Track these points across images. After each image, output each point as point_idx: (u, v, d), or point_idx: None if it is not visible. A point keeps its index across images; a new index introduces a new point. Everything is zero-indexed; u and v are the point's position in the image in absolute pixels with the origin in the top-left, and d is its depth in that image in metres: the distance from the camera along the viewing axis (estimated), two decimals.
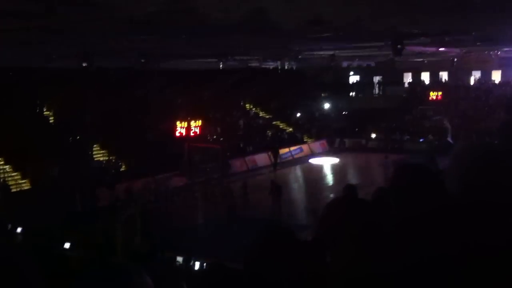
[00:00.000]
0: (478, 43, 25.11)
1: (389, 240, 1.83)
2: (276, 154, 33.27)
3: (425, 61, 39.43)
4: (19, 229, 16.91)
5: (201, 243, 18.32)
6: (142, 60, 22.30)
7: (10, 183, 24.48)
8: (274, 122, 40.77)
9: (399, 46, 18.64)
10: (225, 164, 29.55)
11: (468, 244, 1.68)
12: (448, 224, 1.77)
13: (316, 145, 39.28)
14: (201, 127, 29.42)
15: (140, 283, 1.50)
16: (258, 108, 42.01)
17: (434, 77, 46.41)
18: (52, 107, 31.27)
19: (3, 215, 19.18)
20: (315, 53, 27.84)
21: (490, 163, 1.83)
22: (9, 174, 25.22)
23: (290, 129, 40.21)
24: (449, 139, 35.80)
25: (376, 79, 47.86)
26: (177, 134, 28.38)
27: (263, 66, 38.52)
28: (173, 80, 37.06)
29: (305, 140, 39.43)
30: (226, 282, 2.39)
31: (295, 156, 35.60)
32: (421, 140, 37.17)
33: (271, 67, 43.27)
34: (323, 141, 39.99)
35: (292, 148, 36.14)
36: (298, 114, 42.10)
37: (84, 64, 20.03)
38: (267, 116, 41.40)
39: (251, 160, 33.44)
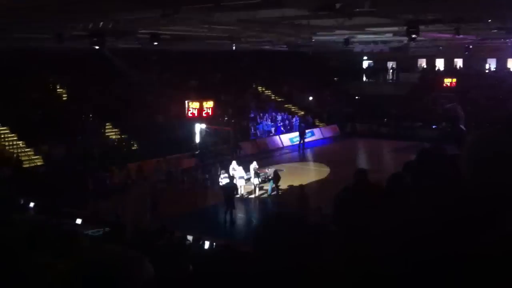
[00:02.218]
0: (493, 31, 24.76)
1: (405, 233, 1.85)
2: (302, 135, 33.77)
3: (440, 48, 38.96)
4: (31, 204, 17.17)
5: (209, 224, 18.52)
6: (155, 43, 22.30)
7: (23, 158, 24.79)
8: (285, 105, 40.71)
9: (413, 32, 18.48)
10: (235, 146, 29.67)
11: (478, 244, 1.67)
12: (463, 221, 1.76)
13: (328, 129, 39.31)
14: (213, 109, 29.47)
15: (141, 273, 1.52)
16: (270, 91, 41.95)
17: (449, 64, 45.92)
18: (65, 85, 31.49)
19: (15, 190, 19.48)
20: (328, 37, 27.62)
21: (502, 157, 1.81)
22: (22, 150, 25.54)
23: (302, 113, 40.14)
24: (462, 126, 35.49)
25: (390, 64, 47.47)
26: (189, 115, 28.47)
27: (276, 49, 38.32)
28: (185, 62, 37.05)
29: (316, 124, 39.43)
30: (233, 264, 2.42)
31: (306, 140, 35.60)
32: (433, 127, 36.94)
33: (284, 50, 43.04)
34: (334, 126, 40.00)
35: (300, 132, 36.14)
36: (310, 98, 41.98)
37: (96, 46, 20.05)
38: (279, 99, 41.33)
39: (262, 142, 33.56)
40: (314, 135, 37.41)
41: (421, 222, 1.87)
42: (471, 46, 35.26)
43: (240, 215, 19.71)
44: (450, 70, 44.60)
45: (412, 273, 1.73)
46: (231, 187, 19.19)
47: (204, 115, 28.93)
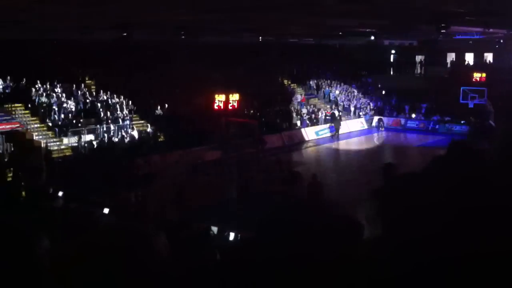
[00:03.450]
0: None
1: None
2: (337, 128, 33.56)
3: (470, 42, 38.32)
4: (60, 193, 17.46)
5: (233, 216, 18.59)
6: (182, 33, 22.42)
7: (53, 148, 25.26)
8: (311, 99, 40.54)
9: (442, 25, 18.23)
10: (260, 140, 29.65)
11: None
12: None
13: (354, 123, 39.01)
14: (238, 102, 29.52)
15: (157, 245, 1.56)
16: (295, 84, 41.81)
17: (479, 58, 45.09)
18: (93, 76, 31.93)
19: (45, 179, 19.88)
20: (355, 30, 27.43)
21: None
22: (52, 140, 26.02)
23: (328, 107, 39.93)
24: (491, 121, 34.95)
25: (418, 58, 46.85)
26: (215, 107, 28.57)
27: (302, 42, 38.23)
28: (211, 54, 37.15)
29: (342, 118, 39.15)
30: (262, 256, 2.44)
31: (332, 133, 35.38)
32: (462, 122, 36.42)
33: (310, 43, 42.93)
34: (361, 119, 39.69)
35: (330, 125, 35.94)
36: (337, 92, 41.72)
37: (123, 38, 20.31)
38: (305, 93, 41.17)
39: (288, 135, 33.49)
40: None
41: (450, 213, 1.87)
42: (501, 40, 34.60)
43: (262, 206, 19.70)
44: (480, 64, 43.80)
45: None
46: (245, 180, 19.26)
47: (230, 107, 28.99)
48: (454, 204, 1.86)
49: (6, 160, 21.77)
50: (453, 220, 1.80)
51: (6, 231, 1.56)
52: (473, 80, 39.30)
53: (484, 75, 39.37)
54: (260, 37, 28.64)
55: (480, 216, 1.79)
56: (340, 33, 29.16)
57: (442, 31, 18.88)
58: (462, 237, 1.75)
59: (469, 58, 45.86)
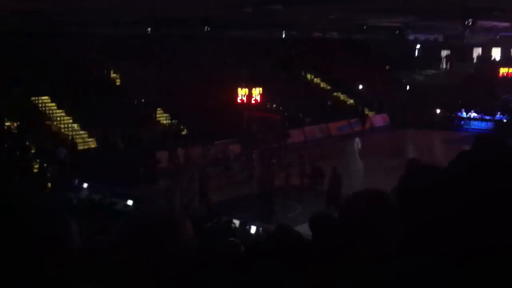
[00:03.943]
0: None
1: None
2: (364, 122, 33.32)
3: (497, 37, 37.64)
4: (85, 185, 17.74)
5: (256, 210, 18.61)
6: (207, 28, 22.48)
7: (78, 141, 25.62)
8: (335, 94, 40.29)
9: (469, 20, 17.94)
10: (283, 134, 29.60)
11: None
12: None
13: (377, 119, 38.62)
14: (261, 96, 29.55)
15: (184, 226, 1.59)
16: (319, 79, 41.59)
17: (506, 53, 44.28)
18: (119, 70, 32.22)
19: (70, 171, 20.20)
20: (380, 24, 27.18)
21: None
22: (77, 133, 26.38)
23: (351, 101, 39.66)
24: None
25: (444, 53, 46.19)
26: (238, 101, 28.66)
27: (326, 37, 37.99)
28: (236, 49, 37.17)
29: (366, 113, 38.79)
30: (292, 244, 2.47)
31: (355, 129, 35.09)
32: (488, 117, 35.86)
33: (334, 37, 42.65)
34: (384, 115, 39.25)
35: (352, 121, 35.70)
36: (360, 87, 41.39)
37: (149, 32, 20.45)
38: (328, 87, 40.93)
39: (310, 131, 33.36)
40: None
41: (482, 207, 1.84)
42: None
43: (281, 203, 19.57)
44: (507, 59, 43.02)
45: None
46: (267, 176, 19.30)
47: (252, 101, 29.03)
48: (473, 198, 1.84)
49: (32, 152, 22.15)
50: (469, 215, 1.78)
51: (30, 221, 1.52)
52: (500, 75, 38.69)
53: (511, 70, 38.73)
54: (284, 32, 28.53)
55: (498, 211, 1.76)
56: (365, 28, 28.91)
57: (468, 21, 18.53)
58: (479, 233, 1.73)
59: (496, 53, 45.08)
